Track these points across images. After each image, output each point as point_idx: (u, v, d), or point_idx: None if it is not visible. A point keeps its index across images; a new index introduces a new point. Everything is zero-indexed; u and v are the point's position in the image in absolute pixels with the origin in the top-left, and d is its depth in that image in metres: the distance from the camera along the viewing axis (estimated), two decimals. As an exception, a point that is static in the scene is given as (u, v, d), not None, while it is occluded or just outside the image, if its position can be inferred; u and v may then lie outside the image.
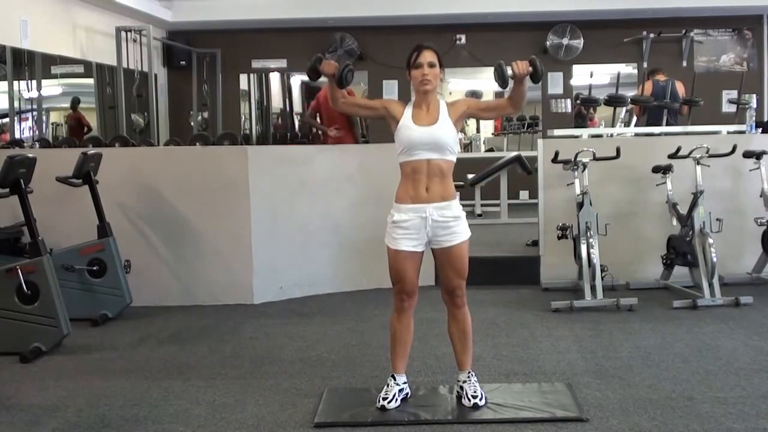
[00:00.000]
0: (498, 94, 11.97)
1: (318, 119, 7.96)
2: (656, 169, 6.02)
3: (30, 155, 4.90)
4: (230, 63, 11.42)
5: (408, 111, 3.60)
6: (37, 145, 7.49)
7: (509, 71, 3.49)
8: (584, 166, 5.82)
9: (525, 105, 3.68)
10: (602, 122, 10.33)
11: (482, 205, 9.52)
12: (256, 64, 11.65)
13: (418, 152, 3.52)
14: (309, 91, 12.87)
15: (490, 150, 11.79)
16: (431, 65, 3.55)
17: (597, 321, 5.21)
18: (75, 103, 9.37)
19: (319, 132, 8.24)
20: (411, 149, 3.53)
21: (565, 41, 11.08)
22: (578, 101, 7.47)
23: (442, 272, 3.65)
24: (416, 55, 3.57)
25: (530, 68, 3.48)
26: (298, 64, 11.60)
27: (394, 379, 3.66)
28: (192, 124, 11.38)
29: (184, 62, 11.28)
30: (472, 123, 11.88)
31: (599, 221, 5.68)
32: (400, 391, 3.66)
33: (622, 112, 7.59)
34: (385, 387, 3.65)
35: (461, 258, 3.58)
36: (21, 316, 4.67)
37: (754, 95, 7.40)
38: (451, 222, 3.54)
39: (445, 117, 3.56)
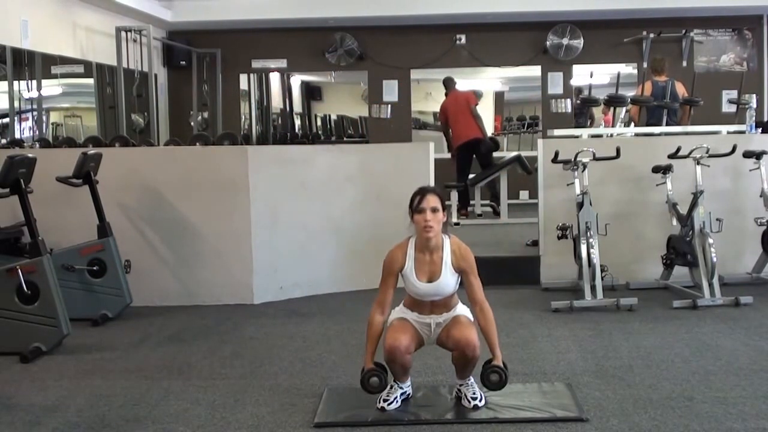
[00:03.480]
0: (498, 94, 12.03)
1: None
2: (656, 169, 6.02)
3: (30, 155, 4.91)
4: (230, 63, 11.42)
5: (410, 257, 3.59)
6: (37, 145, 7.49)
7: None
8: (584, 166, 5.82)
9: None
10: (602, 122, 10.34)
11: (482, 205, 9.52)
12: (256, 64, 11.65)
13: (422, 298, 3.61)
14: (309, 91, 12.91)
15: (490, 150, 11.79)
16: (434, 210, 3.51)
17: (597, 321, 5.21)
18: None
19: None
20: (415, 296, 3.62)
21: (565, 41, 11.07)
22: (578, 101, 7.48)
23: (449, 341, 3.58)
24: (419, 199, 3.54)
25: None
26: (298, 64, 11.64)
27: (398, 384, 3.66)
28: (192, 124, 11.37)
29: (184, 62, 11.27)
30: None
31: (599, 221, 5.68)
32: (402, 393, 3.66)
33: (622, 112, 7.60)
34: (388, 388, 3.64)
35: (466, 320, 3.60)
36: (21, 316, 4.67)
37: (754, 95, 7.40)
38: (452, 314, 3.63)
39: (448, 268, 3.57)
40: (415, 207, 3.55)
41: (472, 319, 3.65)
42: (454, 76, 9.76)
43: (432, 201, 3.52)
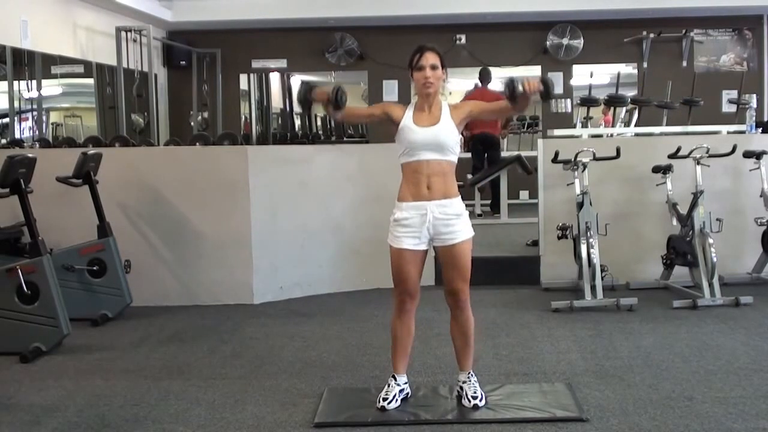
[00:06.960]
0: (498, 94, 12.00)
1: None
2: (656, 169, 6.02)
3: (30, 155, 4.91)
4: (230, 63, 11.43)
5: (409, 113, 3.58)
6: (37, 145, 7.49)
7: (519, 88, 3.40)
8: (584, 166, 5.82)
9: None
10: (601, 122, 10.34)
11: (482, 205, 9.52)
12: (256, 64, 11.66)
13: (419, 153, 3.51)
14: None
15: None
16: (433, 67, 3.51)
17: (597, 321, 5.21)
18: None
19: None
20: (412, 150, 3.52)
21: (565, 41, 11.07)
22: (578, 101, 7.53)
23: (444, 273, 3.62)
24: (418, 56, 3.53)
25: (541, 88, 3.39)
26: (298, 64, 11.63)
27: (395, 380, 3.66)
28: (192, 124, 11.38)
29: (184, 62, 11.28)
30: (471, 123, 11.90)
31: (599, 221, 5.68)
32: (401, 391, 3.65)
33: (622, 112, 7.61)
34: (386, 387, 3.65)
35: (463, 258, 3.56)
36: (21, 316, 4.67)
37: (754, 95, 7.41)
38: (453, 219, 3.53)
39: (447, 118, 3.55)
40: (414, 64, 3.54)
41: (471, 238, 3.57)
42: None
43: (431, 58, 3.52)
